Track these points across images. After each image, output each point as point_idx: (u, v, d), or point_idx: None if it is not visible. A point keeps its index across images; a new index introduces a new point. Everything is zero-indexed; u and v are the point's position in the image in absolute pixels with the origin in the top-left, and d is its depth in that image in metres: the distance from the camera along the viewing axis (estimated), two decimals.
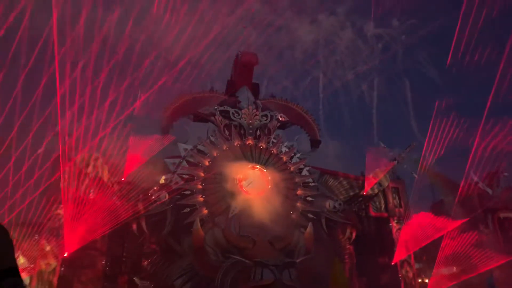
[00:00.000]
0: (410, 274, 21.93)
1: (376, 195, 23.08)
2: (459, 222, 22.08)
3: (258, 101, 23.06)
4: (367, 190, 22.63)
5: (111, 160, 18.86)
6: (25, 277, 18.50)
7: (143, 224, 18.36)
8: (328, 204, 21.38)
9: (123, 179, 18.82)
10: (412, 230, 21.91)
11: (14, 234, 17.41)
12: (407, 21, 50.69)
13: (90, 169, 18.97)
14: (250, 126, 21.79)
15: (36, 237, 17.65)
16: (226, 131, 21.48)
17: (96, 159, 19.02)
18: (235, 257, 17.26)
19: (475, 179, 26.07)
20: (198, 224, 17.89)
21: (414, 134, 47.79)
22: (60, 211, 17.82)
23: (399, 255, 21.64)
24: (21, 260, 18.86)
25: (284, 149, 22.12)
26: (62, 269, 17.74)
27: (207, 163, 20.18)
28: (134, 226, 18.36)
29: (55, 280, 17.24)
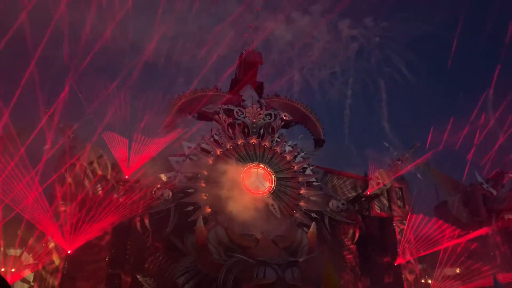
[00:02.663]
0: (413, 275, 21.86)
1: (380, 195, 23.00)
2: (468, 237, 21.94)
3: (262, 100, 23.04)
4: (370, 190, 22.57)
5: (115, 157, 18.90)
6: (29, 273, 18.61)
7: (147, 221, 18.37)
8: (332, 203, 21.32)
9: (127, 176, 18.85)
10: (417, 235, 21.82)
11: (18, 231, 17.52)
12: (381, 23, 51.35)
13: (94, 166, 19.05)
14: (254, 125, 21.76)
15: (40, 234, 17.70)
16: (230, 130, 21.47)
17: (100, 157, 19.08)
18: (238, 255, 17.21)
19: (480, 180, 26.00)
20: (201, 222, 17.85)
21: (386, 134, 47.95)
22: (64, 208, 17.89)
23: (402, 257, 21.57)
24: (25, 257, 18.96)
25: (287, 148, 22.08)
26: (65, 265, 17.81)
27: (210, 162, 20.18)
28: (138, 224, 18.37)
29: (58, 277, 17.30)
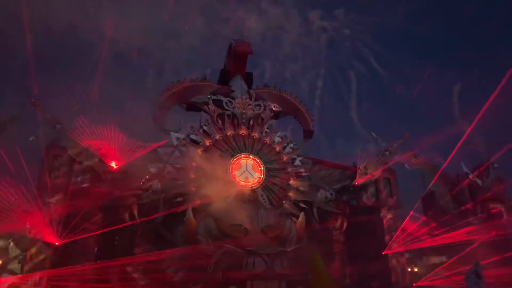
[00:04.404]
0: (401, 264, 22.20)
1: (368, 185, 23.23)
2: (458, 238, 22.22)
3: (251, 91, 22.97)
4: (359, 181, 22.77)
5: (103, 148, 18.72)
6: (16, 265, 18.47)
7: (135, 213, 18.32)
8: (320, 193, 21.50)
9: (114, 167, 18.71)
10: (408, 230, 22.12)
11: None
12: (351, 15, 51.80)
13: (81, 157, 18.85)
14: (243, 116, 21.70)
15: (27, 226, 17.53)
16: (219, 121, 21.40)
17: (88, 148, 18.86)
18: (227, 246, 17.34)
19: (466, 170, 26.38)
20: (190, 213, 17.90)
21: (355, 127, 48.49)
22: (52, 200, 17.72)
23: (390, 248, 21.85)
24: (12, 249, 18.81)
25: (277, 139, 22.12)
26: (53, 257, 17.68)
27: (200, 153, 20.14)
28: (126, 215, 18.30)
29: (46, 268, 17.18)
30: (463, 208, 26.23)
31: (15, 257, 18.96)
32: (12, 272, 18.58)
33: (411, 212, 22.36)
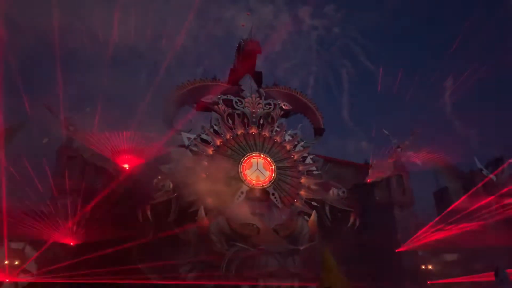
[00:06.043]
0: (413, 261, 22.02)
1: (380, 182, 23.06)
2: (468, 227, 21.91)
3: (261, 90, 22.96)
4: (371, 178, 22.63)
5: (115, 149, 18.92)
6: (32, 266, 18.73)
7: (148, 212, 18.44)
8: (332, 192, 21.37)
9: (127, 168, 18.88)
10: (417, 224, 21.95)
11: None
12: (340, 12, 51.39)
13: (94, 158, 19.07)
14: (254, 115, 21.71)
15: (42, 227, 17.81)
16: (230, 120, 21.44)
17: (99, 149, 19.09)
18: (240, 244, 17.37)
19: (480, 166, 26.05)
20: (202, 212, 17.96)
21: (346, 124, 48.00)
22: (66, 201, 17.95)
23: (402, 245, 21.67)
24: (28, 250, 19.07)
25: (287, 138, 22.08)
26: (68, 257, 17.90)
27: (210, 152, 20.21)
28: (139, 214, 18.44)
29: (61, 268, 17.41)
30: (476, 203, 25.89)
31: (31, 258, 19.21)
32: (29, 273, 18.86)
33: (430, 223, 22.03)
